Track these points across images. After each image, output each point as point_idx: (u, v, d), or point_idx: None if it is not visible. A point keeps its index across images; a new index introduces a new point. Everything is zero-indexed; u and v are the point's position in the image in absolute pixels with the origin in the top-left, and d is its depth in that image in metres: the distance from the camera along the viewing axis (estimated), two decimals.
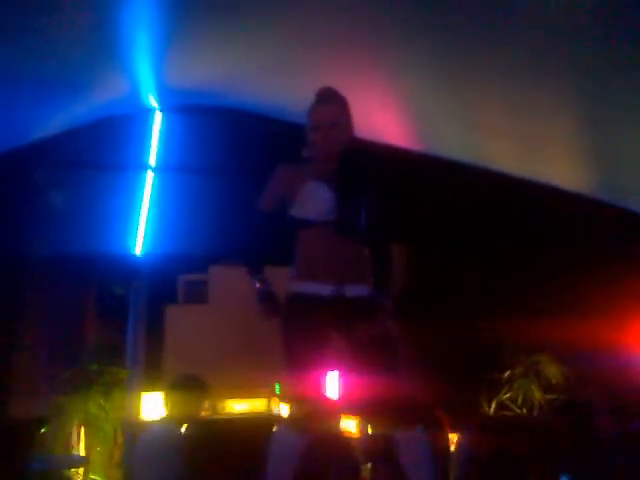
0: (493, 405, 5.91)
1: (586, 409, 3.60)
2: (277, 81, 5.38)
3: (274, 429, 2.39)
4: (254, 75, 5.32)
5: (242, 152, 6.53)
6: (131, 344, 5.12)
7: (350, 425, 4.65)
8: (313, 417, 2.25)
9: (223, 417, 4.55)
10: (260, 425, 4.06)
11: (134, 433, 4.45)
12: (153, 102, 5.99)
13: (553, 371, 6.52)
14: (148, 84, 5.57)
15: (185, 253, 5.59)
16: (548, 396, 6.31)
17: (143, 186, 5.84)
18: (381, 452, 3.18)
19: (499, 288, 6.14)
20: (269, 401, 4.92)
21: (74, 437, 5.08)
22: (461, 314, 5.78)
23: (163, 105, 6.09)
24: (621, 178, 6.02)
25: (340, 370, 2.58)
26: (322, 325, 2.25)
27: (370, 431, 3.79)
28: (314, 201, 2.28)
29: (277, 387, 6.63)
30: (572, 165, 5.94)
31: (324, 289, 2.25)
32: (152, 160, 5.97)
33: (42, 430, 5.00)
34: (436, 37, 4.28)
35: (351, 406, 3.99)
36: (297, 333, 2.25)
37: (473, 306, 5.87)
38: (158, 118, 6.10)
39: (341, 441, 3.67)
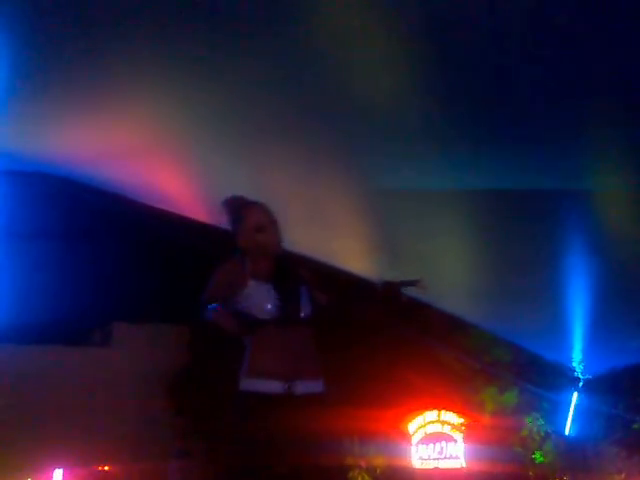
0: None
1: None
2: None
3: None
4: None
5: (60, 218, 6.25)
6: None
7: None
8: None
9: None
10: None
11: None
12: None
13: (380, 461, 6.54)
14: None
15: None
16: None
17: None
18: None
19: None
20: None
21: None
22: None
23: None
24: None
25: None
26: (269, 424, 2.22)
27: None
28: (259, 301, 2.32)
29: None
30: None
31: (275, 387, 2.26)
32: None
33: None
34: None
35: None
36: (246, 431, 2.24)
37: None
38: None
39: None
